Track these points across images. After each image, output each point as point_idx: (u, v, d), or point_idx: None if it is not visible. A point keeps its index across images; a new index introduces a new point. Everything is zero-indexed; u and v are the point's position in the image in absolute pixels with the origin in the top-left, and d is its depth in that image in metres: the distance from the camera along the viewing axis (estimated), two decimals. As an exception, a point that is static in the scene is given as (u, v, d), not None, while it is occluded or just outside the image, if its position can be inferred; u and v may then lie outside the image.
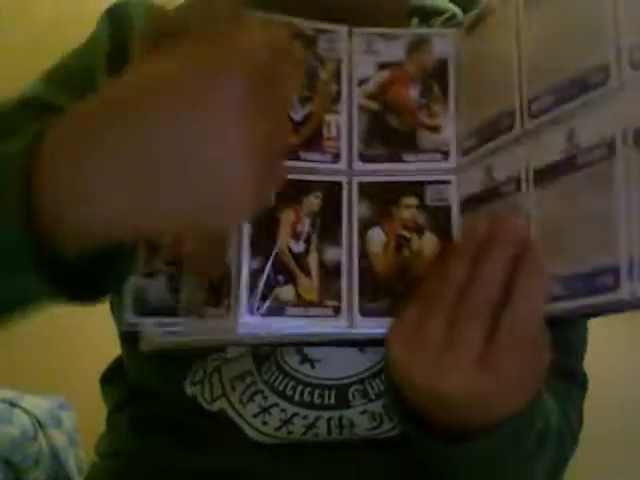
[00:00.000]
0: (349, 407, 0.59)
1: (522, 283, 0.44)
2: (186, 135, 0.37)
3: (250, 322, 0.50)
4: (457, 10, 0.68)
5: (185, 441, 0.60)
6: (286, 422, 0.58)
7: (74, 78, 0.64)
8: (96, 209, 0.39)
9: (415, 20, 0.67)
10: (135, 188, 0.38)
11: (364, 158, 0.52)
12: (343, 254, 0.51)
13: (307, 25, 0.55)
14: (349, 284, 0.51)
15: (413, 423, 0.50)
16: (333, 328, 0.50)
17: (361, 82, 0.54)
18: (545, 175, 0.45)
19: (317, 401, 0.58)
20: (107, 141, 0.38)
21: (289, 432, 0.59)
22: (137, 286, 0.52)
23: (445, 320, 0.45)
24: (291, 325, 0.50)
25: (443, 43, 0.54)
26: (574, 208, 0.43)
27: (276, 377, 0.59)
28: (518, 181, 0.47)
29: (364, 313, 0.50)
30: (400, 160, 0.52)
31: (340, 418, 0.59)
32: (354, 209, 0.52)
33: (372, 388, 0.59)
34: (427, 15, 0.67)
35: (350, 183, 0.52)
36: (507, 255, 0.44)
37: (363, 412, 0.59)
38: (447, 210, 0.51)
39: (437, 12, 0.68)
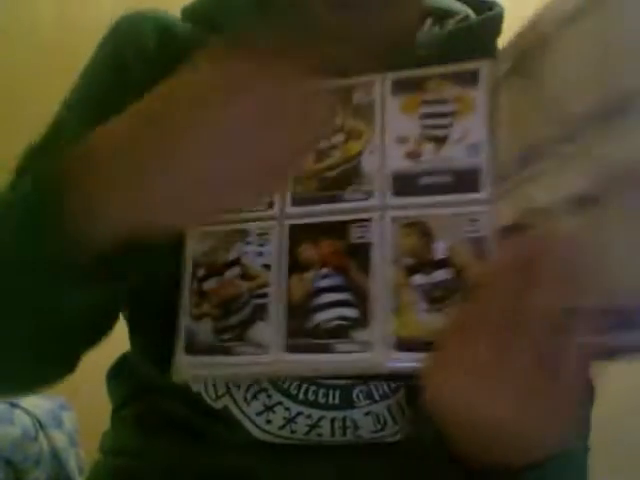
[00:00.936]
0: (353, 408, 0.58)
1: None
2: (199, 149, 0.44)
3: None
4: (470, 12, 0.68)
5: (189, 440, 0.60)
6: (290, 421, 0.58)
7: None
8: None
9: (429, 20, 0.67)
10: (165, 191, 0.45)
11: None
12: None
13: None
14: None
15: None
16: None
17: None
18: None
19: (321, 400, 0.58)
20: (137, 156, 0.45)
21: (292, 431, 0.58)
22: (188, 329, 0.54)
23: (493, 346, 0.43)
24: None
25: None
26: None
27: None
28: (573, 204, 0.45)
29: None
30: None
31: (344, 419, 0.58)
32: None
33: (377, 389, 0.58)
34: (441, 16, 0.68)
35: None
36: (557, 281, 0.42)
37: (367, 413, 0.58)
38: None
39: (450, 13, 0.68)
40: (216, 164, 0.45)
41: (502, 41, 0.68)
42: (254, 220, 0.55)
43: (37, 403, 1.20)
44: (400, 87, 0.56)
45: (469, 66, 0.55)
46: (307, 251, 0.54)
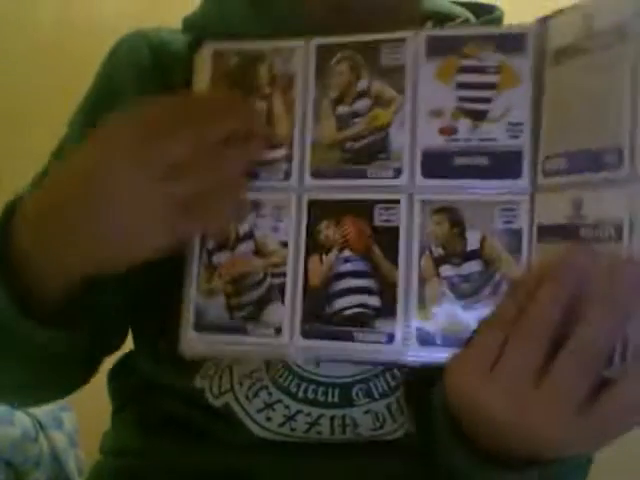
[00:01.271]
0: (353, 406, 0.58)
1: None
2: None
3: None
4: (470, 15, 0.69)
5: (190, 439, 0.60)
6: (289, 419, 0.58)
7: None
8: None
9: (429, 24, 0.68)
10: (81, 241, 0.50)
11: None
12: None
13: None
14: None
15: (464, 447, 0.48)
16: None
17: None
18: None
19: (321, 399, 0.58)
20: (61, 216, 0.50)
21: (292, 429, 0.58)
22: (197, 305, 0.52)
23: (538, 354, 0.42)
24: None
25: None
26: None
27: (281, 374, 0.58)
28: (619, 229, 0.42)
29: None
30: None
31: (343, 417, 0.58)
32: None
33: (376, 387, 0.59)
34: (441, 20, 0.68)
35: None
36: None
37: (367, 412, 0.59)
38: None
39: (450, 17, 0.68)
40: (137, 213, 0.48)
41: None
42: (269, 190, 0.52)
43: (37, 404, 1.20)
44: (435, 48, 0.50)
45: (514, 30, 0.49)
46: (327, 230, 0.51)
